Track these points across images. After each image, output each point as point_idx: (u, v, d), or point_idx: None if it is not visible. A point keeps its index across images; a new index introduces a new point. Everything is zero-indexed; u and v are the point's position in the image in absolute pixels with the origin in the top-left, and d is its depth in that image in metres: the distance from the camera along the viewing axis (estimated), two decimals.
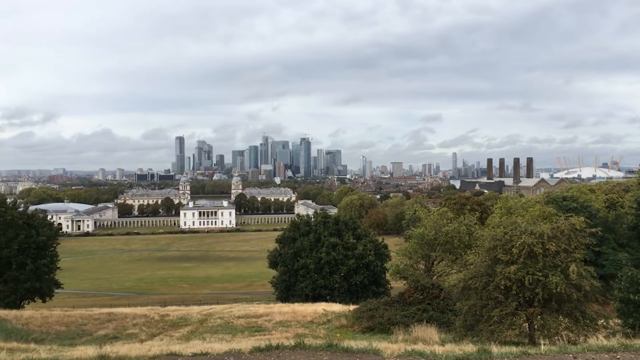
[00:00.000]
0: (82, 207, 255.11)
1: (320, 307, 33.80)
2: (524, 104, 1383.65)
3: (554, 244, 16.74)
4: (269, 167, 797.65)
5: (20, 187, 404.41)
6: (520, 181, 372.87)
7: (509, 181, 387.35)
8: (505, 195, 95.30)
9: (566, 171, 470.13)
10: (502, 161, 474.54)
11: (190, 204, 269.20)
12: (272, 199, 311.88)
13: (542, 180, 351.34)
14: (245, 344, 14.13)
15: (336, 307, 33.63)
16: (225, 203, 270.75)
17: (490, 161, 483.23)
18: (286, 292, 47.28)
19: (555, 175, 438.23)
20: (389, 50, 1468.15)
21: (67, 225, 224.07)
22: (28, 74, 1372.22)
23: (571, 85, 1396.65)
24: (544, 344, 13.78)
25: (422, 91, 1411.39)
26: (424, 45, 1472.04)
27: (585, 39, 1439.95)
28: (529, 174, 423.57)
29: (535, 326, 17.01)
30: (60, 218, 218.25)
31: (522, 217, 19.74)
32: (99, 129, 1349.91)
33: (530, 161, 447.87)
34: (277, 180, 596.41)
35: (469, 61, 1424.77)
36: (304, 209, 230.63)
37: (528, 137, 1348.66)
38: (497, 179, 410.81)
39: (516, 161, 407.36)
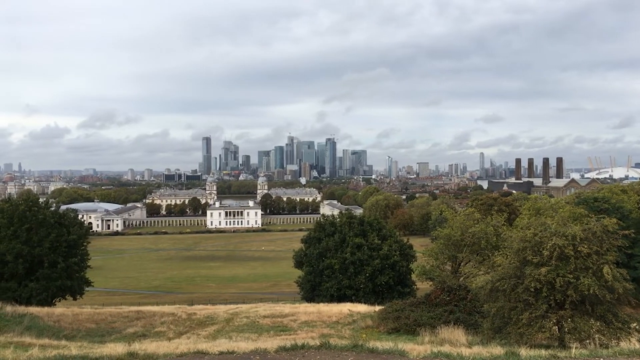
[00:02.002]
0: (111, 206, 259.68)
1: (346, 307, 33.72)
2: (556, 103, 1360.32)
3: (585, 246, 16.39)
4: (295, 167, 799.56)
5: (52, 187, 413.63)
6: (549, 181, 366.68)
7: (538, 181, 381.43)
8: (534, 195, 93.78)
9: (597, 171, 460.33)
10: (530, 161, 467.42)
11: (217, 204, 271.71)
12: (298, 199, 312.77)
13: (573, 180, 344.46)
14: (271, 343, 14.18)
15: (361, 308, 33.51)
16: (251, 203, 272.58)
17: (518, 161, 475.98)
18: (311, 292, 47.31)
19: (586, 176, 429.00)
20: (422, 51, 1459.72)
21: (97, 225, 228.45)
22: (69, 77, 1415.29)
23: (606, 85, 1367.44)
24: (575, 348, 13.50)
25: (453, 91, 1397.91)
26: (458, 46, 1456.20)
27: (624, 38, 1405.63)
28: (559, 174, 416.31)
29: (566, 329, 16.68)
30: (90, 217, 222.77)
31: (552, 218, 19.35)
32: (131, 130, 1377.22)
33: (560, 161, 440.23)
34: (303, 180, 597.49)
35: (503, 61, 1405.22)
36: (329, 209, 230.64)
37: (558, 136, 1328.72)
38: (526, 180, 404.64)
39: (545, 161, 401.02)
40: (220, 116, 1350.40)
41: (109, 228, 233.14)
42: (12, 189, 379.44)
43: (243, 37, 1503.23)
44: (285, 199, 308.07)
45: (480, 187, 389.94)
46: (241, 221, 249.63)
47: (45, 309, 34.72)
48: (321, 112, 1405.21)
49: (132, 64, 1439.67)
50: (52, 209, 47.59)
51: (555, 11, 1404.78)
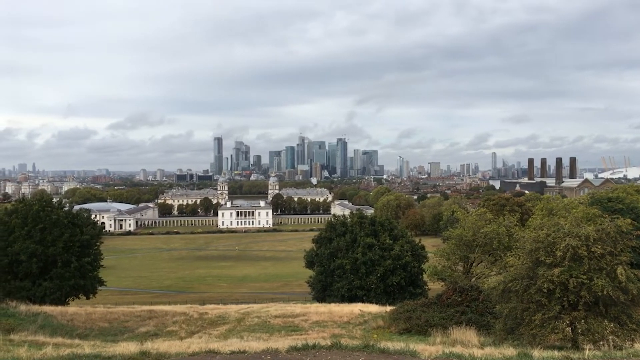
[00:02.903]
0: (124, 206, 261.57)
1: (357, 307, 33.68)
2: (571, 103, 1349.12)
3: (599, 247, 16.22)
4: (306, 167, 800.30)
5: (65, 187, 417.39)
6: (562, 182, 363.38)
7: (551, 182, 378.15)
8: (547, 196, 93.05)
9: (611, 171, 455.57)
10: (543, 161, 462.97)
11: (228, 204, 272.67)
12: (309, 199, 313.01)
13: (586, 180, 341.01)
14: (282, 343, 14.21)
15: (373, 308, 33.46)
16: (262, 203, 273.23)
17: (531, 161, 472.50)
18: (322, 292, 47.32)
19: (599, 176, 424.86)
20: (438, 51, 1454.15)
21: (110, 225, 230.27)
22: (86, 78, 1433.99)
23: (622, 84, 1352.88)
24: (588, 349, 13.38)
25: (467, 91, 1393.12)
26: (474, 45, 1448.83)
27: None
28: (572, 175, 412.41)
29: (579, 330, 16.54)
30: (103, 217, 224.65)
31: (565, 218, 19.17)
32: (141, 130, 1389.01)
33: (573, 161, 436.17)
34: (314, 180, 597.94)
35: (519, 61, 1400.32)
36: (340, 209, 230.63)
37: (573, 136, 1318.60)
38: (539, 180, 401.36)
39: (559, 161, 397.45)
40: (236, 117, 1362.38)
41: (121, 228, 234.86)
42: (26, 189, 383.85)
43: (259, 37, 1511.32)
44: (296, 199, 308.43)
45: (493, 187, 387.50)
46: (252, 221, 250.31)
47: (59, 308, 35.04)
48: (337, 113, 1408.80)
49: (155, 64, 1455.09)
50: (66, 209, 47.98)
51: (573, 11, 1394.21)
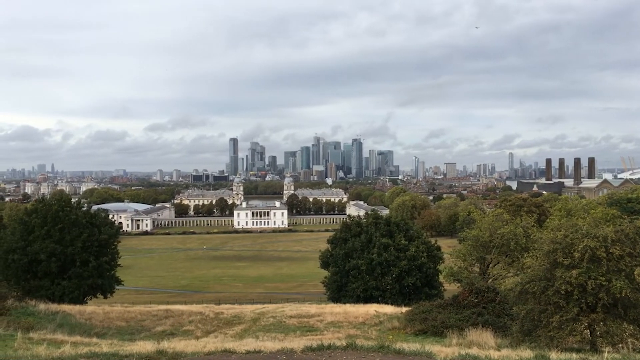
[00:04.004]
0: (141, 206, 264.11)
1: (372, 308, 33.60)
2: (592, 103, 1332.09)
3: (618, 248, 16.02)
4: (321, 167, 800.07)
5: (83, 188, 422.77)
6: (581, 182, 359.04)
7: (569, 182, 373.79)
8: (565, 196, 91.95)
9: (631, 172, 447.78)
10: (561, 161, 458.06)
11: (244, 204, 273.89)
12: (324, 200, 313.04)
13: (605, 181, 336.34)
14: (297, 343, 14.23)
15: (388, 309, 33.34)
16: (277, 203, 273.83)
17: (549, 161, 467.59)
18: (338, 292, 47.26)
19: (619, 176, 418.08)
20: (458, 51, 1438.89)
21: (127, 224, 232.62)
22: (110, 81, 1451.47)
23: None
24: (607, 352, 13.21)
25: (485, 91, 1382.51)
26: (495, 45, 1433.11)
27: None
28: (591, 175, 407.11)
29: (598, 333, 16.34)
30: (120, 217, 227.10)
31: (584, 219, 18.96)
32: (159, 131, 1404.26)
33: (592, 161, 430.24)
34: (329, 181, 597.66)
35: (540, 60, 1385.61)
36: (356, 209, 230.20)
37: (592, 137, 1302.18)
38: (557, 180, 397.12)
39: (577, 161, 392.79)
40: (254, 118, 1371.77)
41: (138, 228, 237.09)
42: (45, 190, 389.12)
43: (280, 39, 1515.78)
44: (311, 199, 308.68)
45: (509, 188, 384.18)
46: (268, 221, 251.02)
47: (77, 307, 35.44)
48: (353, 114, 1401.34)
49: (177, 66, 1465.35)
50: (84, 209, 48.49)
51: (597, 10, 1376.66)
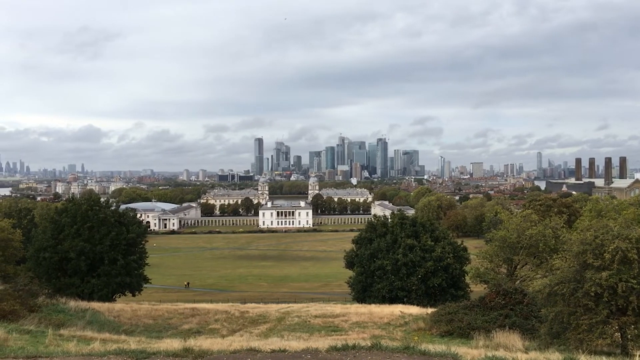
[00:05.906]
0: (168, 206, 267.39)
1: (397, 309, 33.44)
2: (628, 102, 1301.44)
3: None
4: (346, 167, 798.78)
5: (112, 187, 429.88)
6: (612, 182, 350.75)
7: (599, 182, 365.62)
8: (595, 197, 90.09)
9: None
10: (592, 161, 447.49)
11: (269, 204, 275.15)
12: (349, 200, 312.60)
13: (637, 181, 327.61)
14: (322, 343, 14.23)
15: (413, 310, 33.14)
16: (302, 203, 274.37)
17: (579, 161, 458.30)
18: (362, 292, 47.15)
19: None
20: (492, 51, 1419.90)
21: (155, 224, 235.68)
22: (146, 84, 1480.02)
23: None
24: (639, 356, 12.89)
25: (516, 91, 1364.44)
26: (530, 45, 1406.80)
27: None
28: (622, 175, 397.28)
29: (629, 336, 15.97)
30: (148, 216, 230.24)
31: (615, 220, 18.54)
32: (191, 132, 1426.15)
33: (623, 161, 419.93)
34: (354, 180, 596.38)
35: (575, 59, 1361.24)
36: (381, 209, 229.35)
37: (624, 136, 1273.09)
38: (587, 180, 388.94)
39: (608, 161, 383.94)
40: (272, 118, 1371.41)
41: (165, 227, 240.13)
42: (75, 189, 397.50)
43: (316, 41, 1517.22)
44: (336, 199, 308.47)
45: (538, 188, 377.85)
46: (292, 221, 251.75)
47: (106, 305, 36.10)
48: (379, 114, 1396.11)
49: (202, 69, 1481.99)
50: (113, 208, 49.35)
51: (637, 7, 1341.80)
